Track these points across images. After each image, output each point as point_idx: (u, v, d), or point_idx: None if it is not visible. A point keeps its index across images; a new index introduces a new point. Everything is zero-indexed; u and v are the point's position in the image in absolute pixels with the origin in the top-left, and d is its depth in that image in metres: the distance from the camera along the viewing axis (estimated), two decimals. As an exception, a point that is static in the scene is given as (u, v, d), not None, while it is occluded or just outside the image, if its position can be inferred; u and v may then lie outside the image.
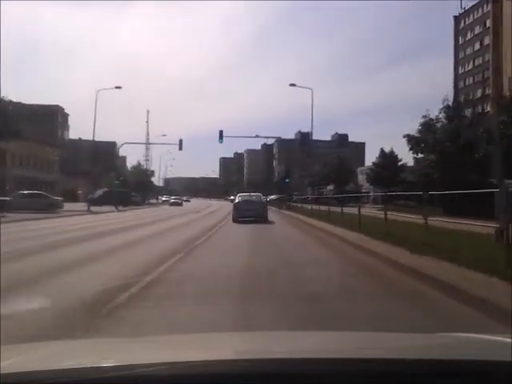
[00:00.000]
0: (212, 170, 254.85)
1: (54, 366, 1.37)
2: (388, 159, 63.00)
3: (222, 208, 48.02)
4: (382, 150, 64.85)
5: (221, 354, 1.66)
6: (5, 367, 1.31)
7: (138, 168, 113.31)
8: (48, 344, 2.13)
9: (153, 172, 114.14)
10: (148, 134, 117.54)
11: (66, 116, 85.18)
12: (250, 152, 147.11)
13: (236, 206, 23.95)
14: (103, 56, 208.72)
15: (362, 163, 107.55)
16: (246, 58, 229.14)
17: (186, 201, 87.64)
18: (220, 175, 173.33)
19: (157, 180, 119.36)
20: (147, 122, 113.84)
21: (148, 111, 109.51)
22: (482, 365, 1.39)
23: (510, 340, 1.67)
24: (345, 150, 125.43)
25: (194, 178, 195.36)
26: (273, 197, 65.37)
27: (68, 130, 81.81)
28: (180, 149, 46.54)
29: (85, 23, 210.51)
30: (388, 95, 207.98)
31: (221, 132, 38.78)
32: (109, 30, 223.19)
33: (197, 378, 1.28)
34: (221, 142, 39.44)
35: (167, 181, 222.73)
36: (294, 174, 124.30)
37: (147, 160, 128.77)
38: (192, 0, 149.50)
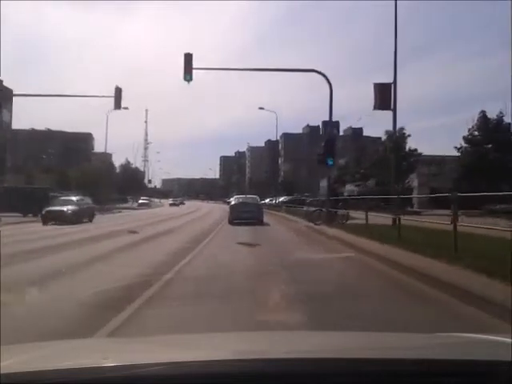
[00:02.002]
0: (209, 168, 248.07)
1: (54, 366, 1.36)
2: (496, 130, 36.23)
3: (205, 217, 33.72)
4: (484, 116, 37.78)
5: (221, 353, 1.64)
6: (5, 367, 1.30)
7: (125, 167, 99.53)
8: (48, 344, 2.10)
9: (136, 169, 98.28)
10: (146, 133, 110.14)
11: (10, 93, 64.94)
12: (253, 149, 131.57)
13: (232, 208, 24.20)
14: (106, 56, 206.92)
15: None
16: (250, 56, 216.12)
17: (173, 204, 74.66)
18: (220, 175, 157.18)
19: (153, 182, 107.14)
20: (146, 121, 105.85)
21: (147, 110, 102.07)
22: (482, 365, 1.38)
23: (510, 340, 1.65)
24: (357, 145, 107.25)
25: (194, 179, 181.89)
26: (283, 198, 48.64)
27: (11, 113, 62.86)
28: (117, 107, 26.50)
29: (88, 23, 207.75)
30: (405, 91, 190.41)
31: (187, 57, 20.02)
32: (112, 30, 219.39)
33: (197, 378, 1.28)
34: (187, 80, 21.06)
35: (165, 182, 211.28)
36: (301, 173, 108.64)
37: (146, 160, 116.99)
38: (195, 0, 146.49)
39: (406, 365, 1.37)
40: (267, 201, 58.68)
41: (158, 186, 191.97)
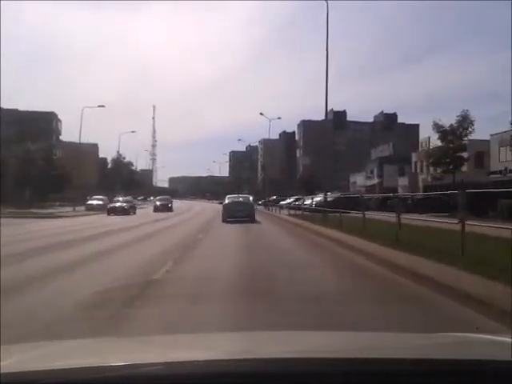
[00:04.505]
0: (213, 161, 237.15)
1: (54, 366, 1.35)
2: None
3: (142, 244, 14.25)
4: None
5: (220, 353, 1.64)
6: (5, 367, 1.29)
7: (117, 161, 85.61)
8: (48, 344, 2.08)
9: (129, 163, 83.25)
10: (154, 130, 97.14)
11: None
12: (266, 143, 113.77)
13: (225, 207, 25.16)
14: (114, 57, 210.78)
15: (416, 149, 70.83)
16: (266, 54, 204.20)
17: (120, 208, 35.86)
18: (229, 172, 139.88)
19: (160, 180, 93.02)
20: (153, 118, 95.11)
21: (154, 106, 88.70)
22: (482, 364, 1.36)
23: (510, 340, 1.64)
24: (391, 133, 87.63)
25: (201, 177, 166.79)
26: (330, 196, 29.97)
27: None
28: None
29: (97, 24, 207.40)
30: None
31: None
32: (121, 30, 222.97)
33: (196, 378, 1.27)
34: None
35: (172, 180, 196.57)
36: (322, 168, 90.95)
37: (154, 159, 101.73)
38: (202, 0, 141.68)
39: (406, 364, 1.34)
40: (289, 201, 40.34)
41: (163, 184, 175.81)
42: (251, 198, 28.27)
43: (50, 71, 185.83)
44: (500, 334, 2.03)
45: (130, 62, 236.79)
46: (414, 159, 49.34)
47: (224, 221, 23.69)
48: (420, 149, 48.14)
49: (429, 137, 44.23)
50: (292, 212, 30.47)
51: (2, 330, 3.93)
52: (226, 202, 25.93)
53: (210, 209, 47.73)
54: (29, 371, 1.30)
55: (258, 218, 26.70)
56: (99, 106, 41.86)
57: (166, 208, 40.46)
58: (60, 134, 57.57)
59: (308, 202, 28.11)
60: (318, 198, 27.44)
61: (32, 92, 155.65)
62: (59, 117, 61.50)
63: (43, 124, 51.62)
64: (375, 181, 55.30)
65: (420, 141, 47.75)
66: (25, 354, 1.60)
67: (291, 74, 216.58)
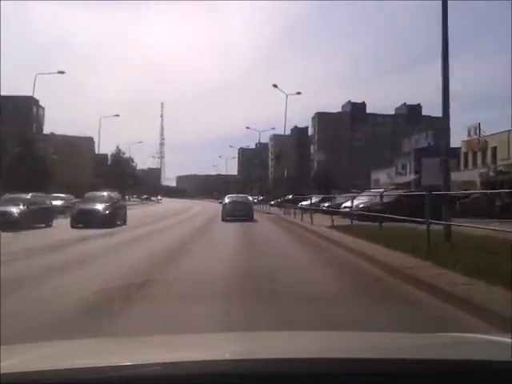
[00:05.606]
0: (219, 156, 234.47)
1: (54, 366, 1.36)
2: None
3: None
4: None
5: (219, 354, 1.65)
6: (5, 367, 1.29)
7: (116, 157, 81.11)
8: (48, 344, 2.08)
9: (129, 159, 73.70)
10: (162, 128, 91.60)
11: None
12: (277, 138, 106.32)
13: (225, 207, 26.42)
14: (120, 58, 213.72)
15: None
16: (276, 54, 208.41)
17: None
18: (238, 171, 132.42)
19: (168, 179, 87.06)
20: (161, 115, 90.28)
21: (162, 104, 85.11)
22: (482, 365, 1.37)
23: (510, 340, 1.64)
24: (416, 126, 79.03)
25: (210, 176, 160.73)
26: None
27: None
28: None
29: (101, 24, 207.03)
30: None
31: None
32: (126, 31, 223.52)
33: (196, 378, 1.28)
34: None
35: (180, 179, 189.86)
36: (338, 164, 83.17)
37: (162, 157, 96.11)
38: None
39: (406, 365, 1.34)
40: (314, 201, 30.68)
41: (171, 183, 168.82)
42: (259, 198, 27.77)
43: (50, 70, 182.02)
44: (500, 334, 1.95)
45: (135, 62, 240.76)
46: (463, 150, 41.00)
47: (223, 220, 24.70)
48: (467, 138, 40.05)
49: (479, 123, 39.10)
50: (338, 222, 16.48)
51: None
52: (226, 201, 27.07)
53: (211, 211, 36.02)
54: (31, 371, 1.28)
55: (283, 239, 15.93)
56: (59, 72, 34.58)
57: (107, 219, 19.82)
58: (43, 124, 50.36)
59: (350, 203, 19.27)
60: (365, 198, 19.16)
61: (30, 89, 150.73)
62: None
63: (20, 110, 43.89)
64: (409, 177, 46.94)
65: (468, 128, 39.64)
66: (25, 355, 1.58)
67: (299, 74, 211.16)
